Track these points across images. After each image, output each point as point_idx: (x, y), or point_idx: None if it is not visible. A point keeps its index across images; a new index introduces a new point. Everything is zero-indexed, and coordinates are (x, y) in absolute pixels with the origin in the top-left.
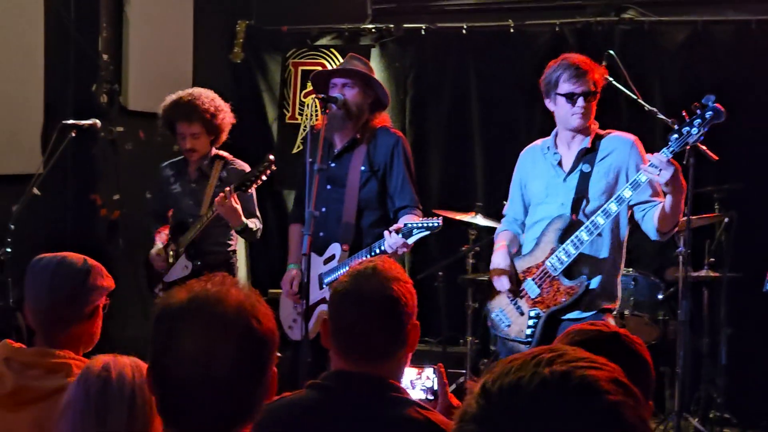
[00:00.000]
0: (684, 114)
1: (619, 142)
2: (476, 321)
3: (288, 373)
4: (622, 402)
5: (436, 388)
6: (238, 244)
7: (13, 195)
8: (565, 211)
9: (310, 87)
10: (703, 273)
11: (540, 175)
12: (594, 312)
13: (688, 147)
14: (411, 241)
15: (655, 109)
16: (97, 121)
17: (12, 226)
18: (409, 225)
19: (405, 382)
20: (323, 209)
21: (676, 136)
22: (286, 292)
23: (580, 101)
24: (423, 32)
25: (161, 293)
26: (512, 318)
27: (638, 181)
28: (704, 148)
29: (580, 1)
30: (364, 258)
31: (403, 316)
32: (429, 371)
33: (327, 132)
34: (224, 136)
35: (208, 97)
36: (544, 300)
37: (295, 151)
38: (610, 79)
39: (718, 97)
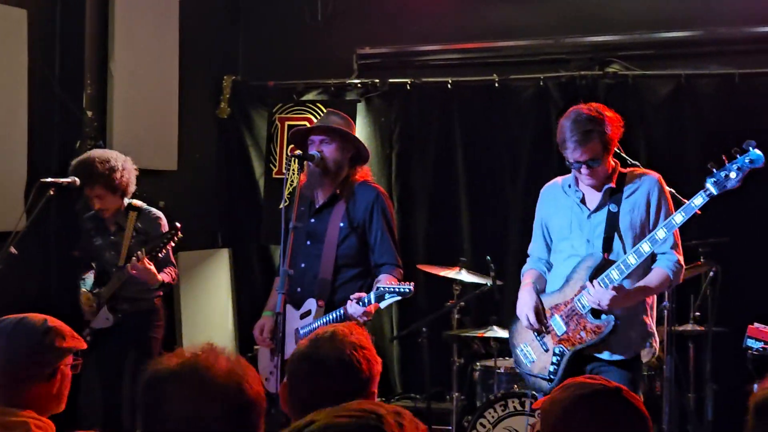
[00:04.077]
0: (724, 158)
1: (644, 180)
2: (461, 377)
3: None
4: None
5: None
6: (227, 303)
7: None
8: (590, 248)
9: None
10: (688, 327)
11: (563, 211)
12: (623, 358)
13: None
14: (383, 305)
15: (637, 163)
16: (76, 179)
17: None
18: (382, 289)
19: None
20: (302, 265)
21: (714, 179)
22: (256, 338)
23: (584, 169)
24: (408, 87)
25: (89, 338)
26: (536, 354)
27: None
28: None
29: (564, 56)
30: (333, 319)
31: (358, 382)
32: None
33: (307, 189)
34: (131, 188)
35: (101, 159)
36: (569, 338)
37: (282, 206)
38: None
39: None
